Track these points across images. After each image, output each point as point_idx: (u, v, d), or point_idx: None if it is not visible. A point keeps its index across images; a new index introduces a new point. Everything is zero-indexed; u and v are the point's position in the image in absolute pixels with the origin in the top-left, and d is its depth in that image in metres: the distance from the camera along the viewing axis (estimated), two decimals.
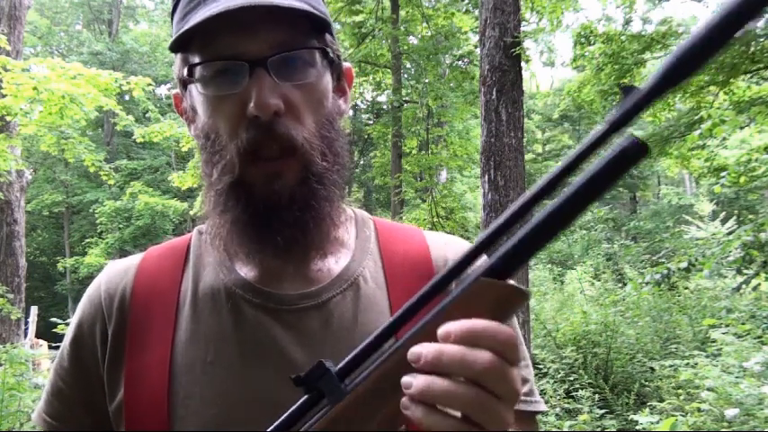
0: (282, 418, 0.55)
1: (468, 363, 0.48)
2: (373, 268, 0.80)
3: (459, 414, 0.50)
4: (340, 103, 0.79)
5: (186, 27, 0.67)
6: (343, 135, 0.76)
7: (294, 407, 0.55)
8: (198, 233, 0.84)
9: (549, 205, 0.48)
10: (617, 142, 0.45)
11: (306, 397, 0.55)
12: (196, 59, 0.70)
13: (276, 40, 0.68)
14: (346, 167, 0.75)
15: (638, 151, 0.45)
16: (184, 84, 0.75)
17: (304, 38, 0.70)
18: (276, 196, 0.69)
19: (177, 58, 0.74)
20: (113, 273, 0.81)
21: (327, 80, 0.74)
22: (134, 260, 0.82)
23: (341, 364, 0.54)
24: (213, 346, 0.73)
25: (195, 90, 0.72)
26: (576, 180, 0.47)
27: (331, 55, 0.74)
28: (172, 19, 0.75)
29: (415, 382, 0.49)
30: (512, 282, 0.51)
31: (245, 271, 0.77)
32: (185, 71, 0.71)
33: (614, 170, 0.46)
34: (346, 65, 0.81)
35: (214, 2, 0.67)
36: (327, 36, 0.74)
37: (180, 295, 0.77)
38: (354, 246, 0.82)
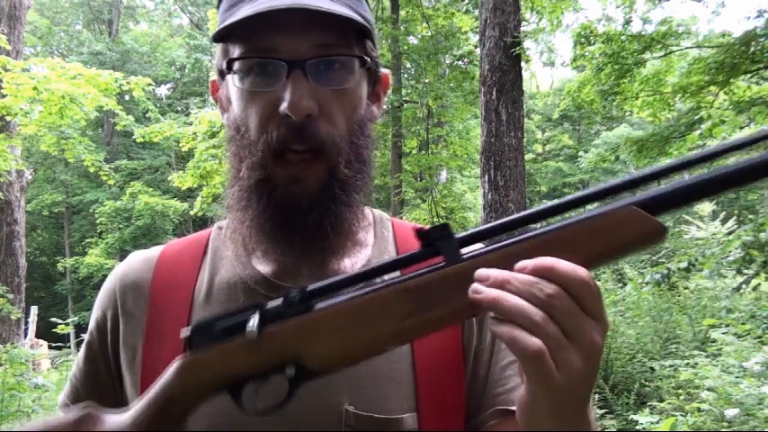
0: (396, 258, 0.57)
1: (536, 288, 0.50)
2: None
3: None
4: (373, 109, 0.80)
5: (231, 21, 0.68)
6: (372, 141, 0.77)
7: (408, 254, 0.56)
8: (218, 228, 0.85)
9: (717, 168, 0.51)
10: None
11: (422, 249, 0.56)
12: (236, 53, 0.70)
13: (316, 43, 0.69)
14: (371, 175, 0.76)
15: None
16: (222, 74, 0.75)
17: (344, 43, 0.71)
18: (296, 199, 0.69)
19: (218, 48, 0.76)
20: (133, 263, 0.82)
21: (363, 87, 0.75)
22: (154, 252, 0.83)
23: (464, 234, 0.56)
24: None
25: (231, 82, 0.73)
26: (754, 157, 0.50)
27: (369, 63, 0.74)
28: (218, 8, 0.77)
29: (492, 276, 0.52)
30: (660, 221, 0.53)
31: (262, 267, 0.78)
32: (224, 62, 0.72)
33: None
34: (383, 71, 0.82)
35: None
36: (368, 43, 0.75)
37: (195, 288, 0.78)
38: (373, 246, 0.82)
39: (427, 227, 0.55)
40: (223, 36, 0.71)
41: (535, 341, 0.50)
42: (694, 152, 0.52)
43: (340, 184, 0.71)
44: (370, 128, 0.76)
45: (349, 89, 0.72)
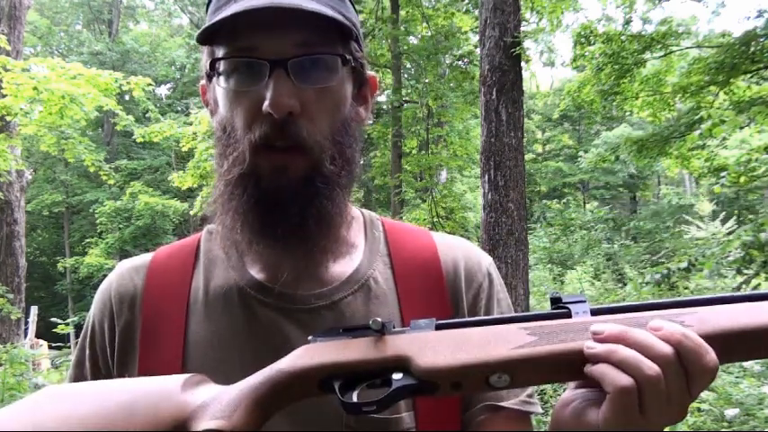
0: (526, 314, 0.61)
1: (652, 345, 0.52)
2: (383, 270, 0.80)
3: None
4: (359, 111, 0.80)
5: (212, 21, 0.69)
6: (357, 141, 0.77)
7: (539, 313, 0.60)
8: (207, 233, 0.84)
9: None
10: None
11: (553, 310, 0.60)
12: (220, 53, 0.71)
13: (298, 41, 0.69)
14: (355, 173, 0.76)
15: None
16: (209, 76, 0.76)
17: (327, 42, 0.71)
18: (281, 189, 0.70)
19: (204, 50, 0.76)
20: (124, 271, 0.82)
21: (347, 87, 0.75)
22: (144, 259, 0.83)
23: (598, 306, 0.59)
24: (226, 346, 0.74)
25: (216, 83, 0.73)
26: None
27: (352, 63, 0.74)
28: (207, 10, 0.77)
29: (608, 330, 0.54)
30: None
31: (256, 272, 0.78)
32: (208, 63, 0.73)
33: None
34: (370, 73, 0.82)
35: None
36: (353, 44, 0.75)
37: (191, 294, 0.78)
38: (364, 247, 0.82)
39: (557, 294, 0.61)
40: (207, 38, 0.71)
41: (626, 378, 0.52)
42: None
43: (323, 178, 0.71)
44: (354, 128, 0.76)
45: (332, 88, 0.72)
